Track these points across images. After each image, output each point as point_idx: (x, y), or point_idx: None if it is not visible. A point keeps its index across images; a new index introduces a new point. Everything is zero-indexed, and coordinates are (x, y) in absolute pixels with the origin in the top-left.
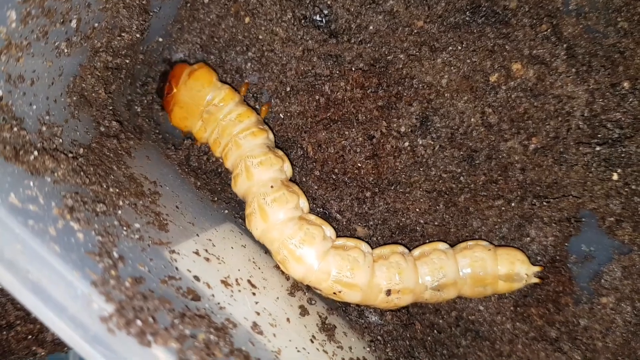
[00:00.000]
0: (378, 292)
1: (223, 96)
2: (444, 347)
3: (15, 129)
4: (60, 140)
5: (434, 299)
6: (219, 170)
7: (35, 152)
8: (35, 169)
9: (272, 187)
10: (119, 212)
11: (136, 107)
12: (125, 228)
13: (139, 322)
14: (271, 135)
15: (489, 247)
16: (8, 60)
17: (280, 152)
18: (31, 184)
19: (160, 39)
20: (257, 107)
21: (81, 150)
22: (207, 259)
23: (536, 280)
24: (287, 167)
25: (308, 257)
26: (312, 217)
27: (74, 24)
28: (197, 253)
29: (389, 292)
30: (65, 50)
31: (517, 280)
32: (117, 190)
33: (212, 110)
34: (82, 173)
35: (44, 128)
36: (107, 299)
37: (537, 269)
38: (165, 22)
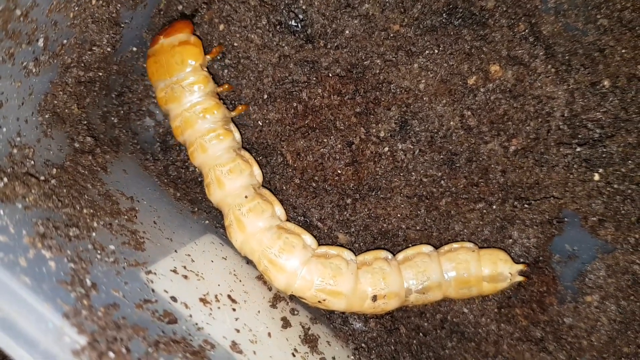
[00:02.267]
0: (364, 298)
1: (193, 81)
2: (430, 349)
3: None
4: (32, 162)
5: (420, 301)
6: (200, 179)
7: (5, 179)
8: (6, 196)
9: (246, 197)
10: (93, 234)
11: (113, 119)
12: (99, 251)
13: (111, 355)
14: (237, 136)
15: (473, 248)
16: None
17: (247, 155)
18: (1, 212)
19: (135, 49)
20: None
21: (54, 171)
22: (186, 277)
23: (520, 278)
24: (257, 170)
25: (289, 266)
26: (291, 225)
27: (41, 43)
28: (174, 271)
29: (375, 298)
30: (34, 70)
31: (501, 280)
32: (91, 211)
33: (177, 91)
34: (54, 196)
35: (14, 151)
36: (79, 330)
37: (520, 267)
38: (138, 32)
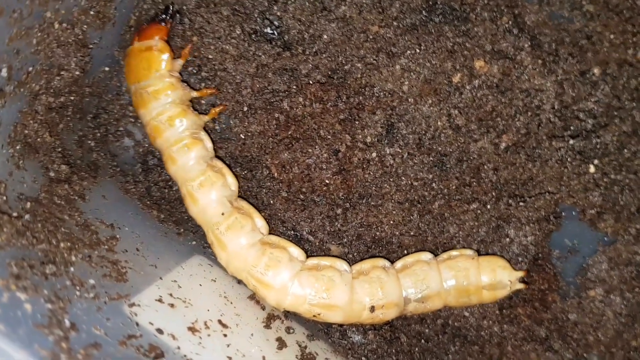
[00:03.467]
0: (361, 309)
1: (159, 88)
2: (433, 355)
3: None
4: (4, 197)
5: (419, 310)
6: None
7: None
8: None
9: (222, 214)
10: (71, 269)
11: (89, 142)
12: (78, 287)
13: None
14: (209, 144)
15: (473, 256)
16: None
17: (219, 164)
18: None
19: (107, 68)
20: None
21: (28, 205)
22: (172, 305)
23: (520, 286)
24: (230, 179)
25: (277, 283)
26: (275, 238)
27: (4, 73)
28: (160, 300)
29: (373, 309)
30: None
31: (500, 288)
32: (68, 244)
33: (144, 96)
34: (28, 233)
35: None
36: None
37: (520, 274)
38: (109, 51)
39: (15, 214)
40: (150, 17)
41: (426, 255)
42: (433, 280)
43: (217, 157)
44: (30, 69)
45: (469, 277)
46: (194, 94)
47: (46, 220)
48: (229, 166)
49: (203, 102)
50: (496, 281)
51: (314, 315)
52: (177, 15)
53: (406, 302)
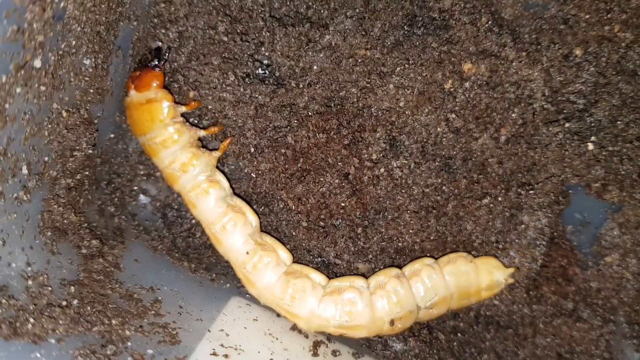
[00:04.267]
0: (382, 324)
1: (166, 137)
2: (471, 346)
3: (3, 300)
4: (50, 288)
5: (427, 317)
6: (208, 242)
7: (32, 319)
8: (37, 336)
9: (247, 252)
10: (129, 344)
11: (109, 208)
12: None
13: None
14: (225, 183)
15: (470, 258)
16: None
17: (238, 203)
18: (38, 355)
19: (112, 135)
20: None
21: (72, 290)
22: (226, 356)
23: (511, 280)
24: (251, 217)
25: (304, 312)
26: (298, 267)
27: (25, 170)
28: (214, 354)
29: (392, 322)
30: (25, 197)
31: (496, 287)
32: (119, 319)
33: (153, 147)
34: (81, 319)
35: (29, 282)
36: None
37: (511, 271)
38: (112, 118)
39: (64, 303)
40: (141, 62)
41: (430, 260)
42: (441, 287)
43: (235, 194)
44: (46, 158)
45: (470, 281)
46: (201, 133)
47: (93, 301)
48: (247, 202)
49: (210, 138)
50: (493, 281)
51: (341, 335)
52: (168, 54)
53: (418, 310)
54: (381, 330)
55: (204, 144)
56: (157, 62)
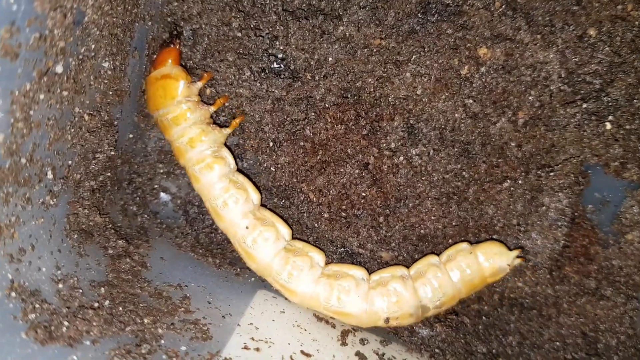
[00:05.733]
0: (377, 319)
1: (176, 115)
2: (496, 328)
3: (37, 305)
4: (80, 290)
5: (437, 313)
6: None
7: (66, 322)
8: (72, 339)
9: (247, 227)
10: (162, 342)
11: (132, 208)
12: (175, 359)
13: None
14: (230, 160)
15: (470, 249)
16: (4, 242)
17: (240, 179)
18: (74, 357)
19: (131, 135)
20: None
21: (102, 291)
22: (258, 349)
23: (518, 261)
24: (253, 194)
25: (300, 290)
26: (298, 244)
27: (50, 175)
28: (246, 347)
29: (387, 320)
30: (52, 202)
31: (501, 272)
32: (151, 318)
33: (165, 123)
34: (114, 320)
35: (60, 285)
36: None
37: (515, 253)
38: (130, 119)
39: (96, 305)
40: (159, 45)
41: (434, 259)
42: (447, 285)
43: (238, 170)
44: (70, 162)
45: (473, 273)
46: (212, 109)
47: (124, 301)
48: (250, 178)
49: (223, 116)
50: (496, 268)
51: (332, 317)
52: (182, 34)
53: (425, 310)
54: (375, 324)
55: (216, 121)
56: (171, 40)
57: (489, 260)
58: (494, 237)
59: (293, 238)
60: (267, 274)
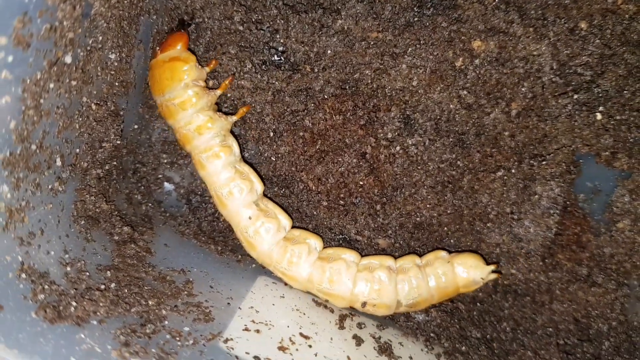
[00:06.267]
0: (356, 300)
1: (184, 99)
2: (490, 314)
3: (46, 286)
4: (87, 273)
5: (406, 311)
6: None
7: (74, 302)
8: (80, 318)
9: (250, 217)
10: (166, 322)
11: (136, 196)
12: (178, 338)
13: None
14: (236, 149)
15: (447, 258)
16: (15, 226)
17: (245, 169)
18: (82, 335)
19: (136, 126)
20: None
21: (109, 274)
22: (258, 331)
23: (493, 276)
24: (257, 184)
25: (299, 276)
26: (297, 232)
27: (58, 162)
28: (247, 329)
29: (364, 304)
30: (60, 188)
31: (474, 284)
32: (155, 300)
33: (171, 108)
34: (120, 301)
35: (68, 268)
36: None
37: (490, 268)
38: (135, 110)
39: (103, 287)
40: (167, 31)
41: (418, 260)
42: (424, 288)
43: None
44: (77, 150)
45: (448, 281)
46: (218, 92)
47: (129, 284)
48: (254, 168)
49: (225, 107)
50: (470, 280)
51: (325, 300)
52: (193, 22)
53: (398, 306)
54: (355, 305)
55: (220, 108)
56: (180, 27)
57: (465, 272)
58: (489, 225)
59: (292, 227)
60: (267, 263)
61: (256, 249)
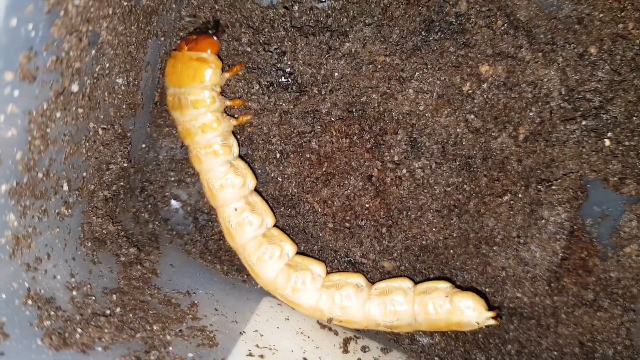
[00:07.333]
0: (321, 315)
1: (199, 99)
2: (495, 336)
3: (52, 312)
4: (93, 297)
5: (388, 330)
6: None
7: (79, 329)
8: (85, 345)
9: (235, 209)
10: (170, 348)
11: (143, 215)
12: None
13: None
14: (235, 149)
15: (447, 292)
16: (22, 252)
17: (241, 166)
18: None
19: (143, 145)
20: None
21: (114, 297)
22: (262, 356)
23: (492, 322)
24: (250, 180)
25: (304, 303)
26: (299, 259)
27: (65, 187)
28: (251, 354)
29: (330, 320)
30: (67, 212)
31: (469, 326)
32: (160, 324)
33: (183, 102)
34: (125, 327)
35: (74, 293)
36: None
37: (489, 314)
38: (143, 130)
39: (108, 312)
40: (199, 29)
41: (408, 283)
42: (405, 314)
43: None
44: (85, 174)
45: (440, 315)
46: (227, 103)
47: (135, 308)
48: (250, 165)
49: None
50: (465, 321)
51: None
52: (227, 28)
53: (374, 325)
54: (322, 318)
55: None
56: (215, 32)
57: (461, 311)
58: (495, 248)
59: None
60: (272, 289)
61: (260, 277)
